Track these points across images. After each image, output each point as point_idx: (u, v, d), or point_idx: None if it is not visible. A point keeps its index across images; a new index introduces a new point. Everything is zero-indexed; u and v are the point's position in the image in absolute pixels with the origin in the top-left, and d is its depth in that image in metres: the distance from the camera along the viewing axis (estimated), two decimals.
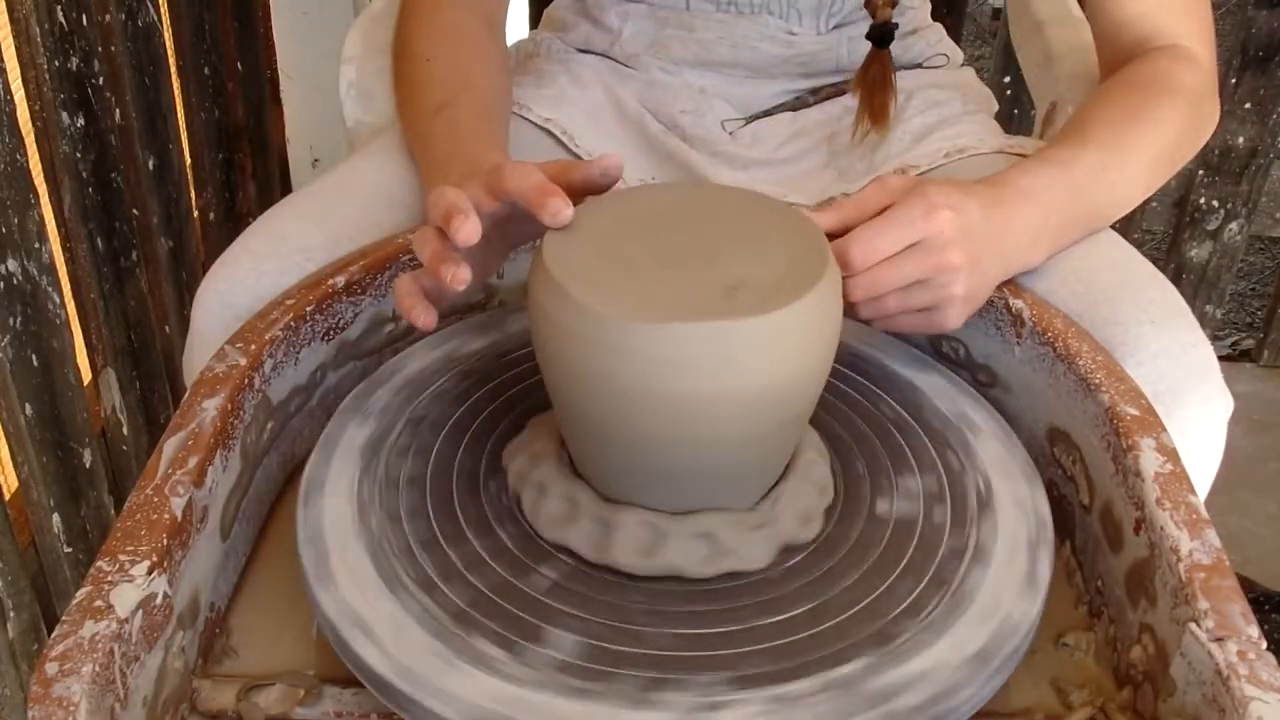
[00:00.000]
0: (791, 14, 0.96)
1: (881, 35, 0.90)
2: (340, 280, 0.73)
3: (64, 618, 0.50)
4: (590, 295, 0.56)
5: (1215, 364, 0.73)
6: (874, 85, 0.91)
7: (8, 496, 1.10)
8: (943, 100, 0.98)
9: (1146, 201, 1.72)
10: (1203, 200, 1.77)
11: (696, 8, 0.97)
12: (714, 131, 0.96)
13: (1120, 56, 0.87)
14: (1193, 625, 0.53)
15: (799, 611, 0.59)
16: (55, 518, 1.12)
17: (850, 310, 0.68)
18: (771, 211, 0.63)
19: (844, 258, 0.67)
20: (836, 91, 0.99)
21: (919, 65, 1.02)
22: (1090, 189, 0.76)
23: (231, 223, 1.52)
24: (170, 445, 0.59)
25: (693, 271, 0.58)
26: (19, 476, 1.09)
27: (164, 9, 1.28)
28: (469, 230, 0.60)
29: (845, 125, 0.95)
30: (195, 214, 1.41)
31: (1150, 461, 0.61)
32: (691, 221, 0.62)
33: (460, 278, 0.61)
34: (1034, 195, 0.73)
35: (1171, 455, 0.61)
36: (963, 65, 1.07)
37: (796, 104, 0.99)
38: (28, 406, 1.04)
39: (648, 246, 0.60)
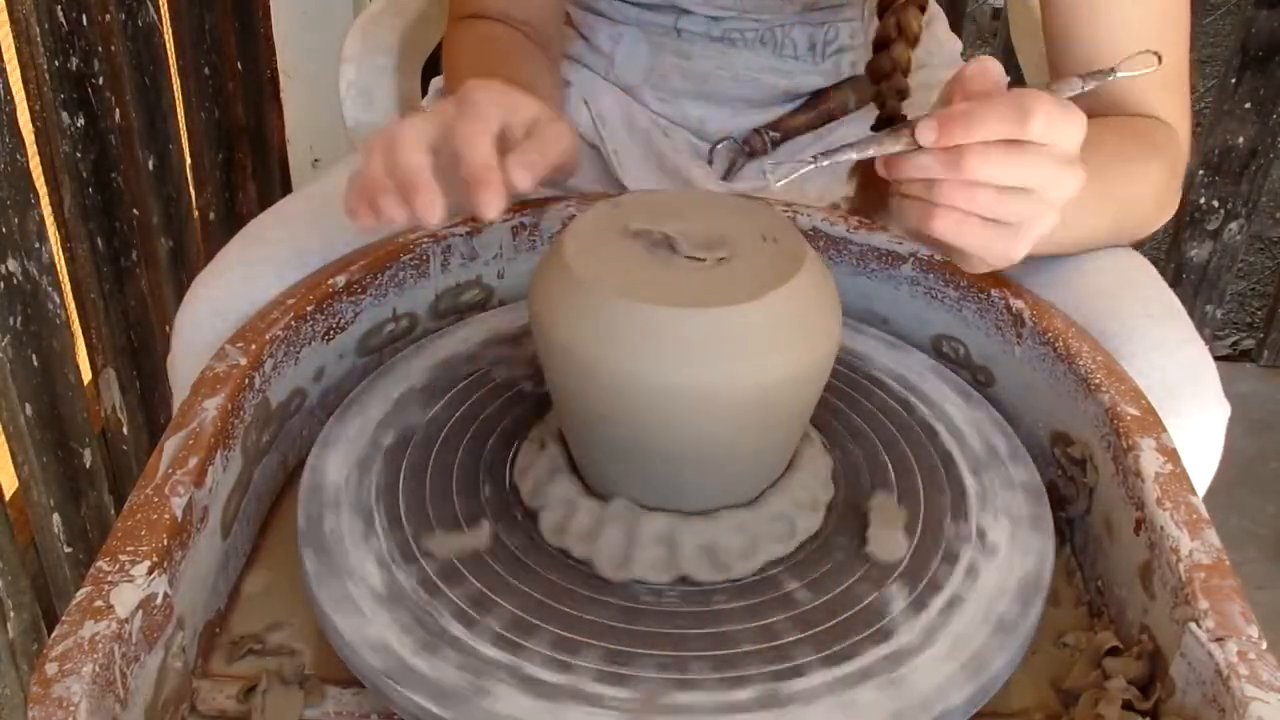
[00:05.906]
0: (787, 44, 0.94)
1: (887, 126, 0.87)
2: (340, 280, 0.73)
3: (64, 618, 0.50)
4: (617, 286, 0.57)
5: (1212, 365, 0.72)
6: (873, 175, 0.87)
7: (8, 496, 1.10)
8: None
9: None
10: (1203, 200, 1.77)
11: (687, 35, 0.94)
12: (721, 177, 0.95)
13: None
14: (1193, 625, 0.53)
15: (805, 609, 0.59)
16: (55, 518, 1.12)
17: (924, 214, 0.61)
18: (755, 213, 0.63)
19: (946, 124, 0.58)
20: (859, 102, 0.95)
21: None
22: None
23: (231, 223, 1.52)
24: (170, 445, 0.59)
25: (695, 268, 0.58)
26: (19, 476, 1.09)
27: (164, 9, 1.28)
28: (433, 210, 0.62)
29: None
30: (195, 214, 1.40)
31: (1150, 462, 0.61)
32: (689, 224, 0.62)
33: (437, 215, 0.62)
34: None
35: (1172, 456, 0.61)
36: (961, 54, 1.06)
37: (816, 121, 0.94)
38: (28, 406, 1.04)
39: (652, 246, 0.60)
